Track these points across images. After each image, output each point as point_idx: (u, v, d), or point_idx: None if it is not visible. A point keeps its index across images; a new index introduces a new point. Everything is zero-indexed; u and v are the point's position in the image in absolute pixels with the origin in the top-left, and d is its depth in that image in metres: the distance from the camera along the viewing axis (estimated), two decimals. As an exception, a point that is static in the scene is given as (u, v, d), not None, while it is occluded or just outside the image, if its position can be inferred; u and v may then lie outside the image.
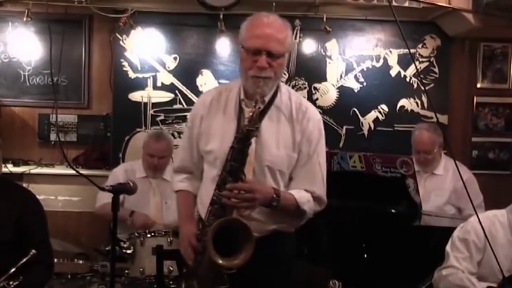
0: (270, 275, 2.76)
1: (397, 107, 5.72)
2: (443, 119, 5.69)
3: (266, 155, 2.70)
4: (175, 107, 5.64)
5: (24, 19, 5.17)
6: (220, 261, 2.47)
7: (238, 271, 2.53)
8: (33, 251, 3.01)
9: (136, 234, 4.12)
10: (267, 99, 2.71)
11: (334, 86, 5.68)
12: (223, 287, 2.59)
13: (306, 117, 2.78)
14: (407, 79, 5.72)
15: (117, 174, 4.67)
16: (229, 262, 2.49)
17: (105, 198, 4.61)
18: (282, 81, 5.57)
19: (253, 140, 2.59)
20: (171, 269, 3.91)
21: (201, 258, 2.65)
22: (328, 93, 5.67)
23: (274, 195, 2.63)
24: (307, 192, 2.76)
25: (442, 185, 4.71)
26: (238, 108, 2.76)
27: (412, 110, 5.72)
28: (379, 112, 5.71)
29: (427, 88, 5.67)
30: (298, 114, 2.78)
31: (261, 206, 2.62)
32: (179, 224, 2.94)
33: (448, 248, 3.18)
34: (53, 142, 5.72)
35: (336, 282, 3.82)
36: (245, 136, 2.53)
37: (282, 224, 2.80)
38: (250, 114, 2.53)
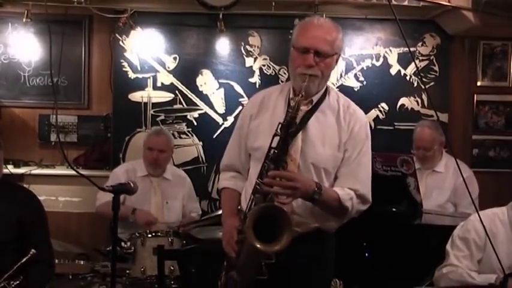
0: (308, 273, 2.80)
1: (398, 106, 5.72)
2: (444, 117, 5.68)
3: (311, 153, 2.75)
4: (175, 107, 5.64)
5: (24, 20, 5.18)
6: (259, 246, 2.48)
7: (277, 264, 2.56)
8: (33, 250, 3.02)
9: (137, 234, 4.12)
10: (315, 99, 2.80)
11: (334, 85, 5.67)
12: (261, 277, 2.60)
13: (353, 118, 2.85)
14: (408, 78, 5.72)
15: (118, 174, 4.68)
16: (268, 247, 2.49)
17: (106, 196, 4.60)
18: (282, 81, 5.62)
19: (300, 138, 2.70)
20: (172, 269, 3.92)
21: (240, 249, 2.68)
22: (328, 92, 5.66)
23: (316, 188, 2.65)
24: (350, 190, 2.78)
25: (443, 183, 4.73)
26: (287, 106, 2.81)
27: (412, 109, 5.72)
28: (380, 111, 5.70)
29: (427, 86, 5.67)
30: (346, 115, 2.85)
31: (302, 198, 2.66)
32: (222, 219, 2.97)
33: (448, 246, 3.19)
34: (53, 143, 5.73)
35: (337, 281, 3.81)
36: (288, 122, 2.59)
37: (325, 222, 2.82)
38: (294, 102, 2.61)
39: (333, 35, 2.78)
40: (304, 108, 2.73)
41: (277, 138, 2.61)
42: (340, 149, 2.81)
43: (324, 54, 2.74)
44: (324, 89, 2.86)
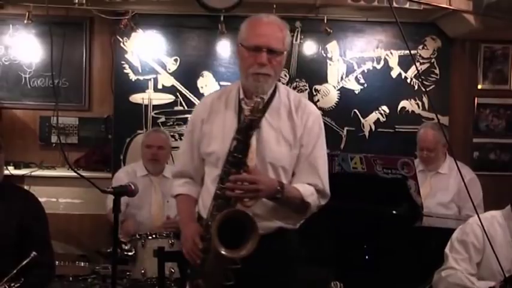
0: (275, 272, 2.76)
1: (398, 109, 5.72)
2: (444, 120, 5.68)
3: (268, 152, 2.72)
4: (176, 109, 5.64)
5: (25, 21, 5.18)
6: (225, 253, 2.46)
7: (243, 268, 2.54)
8: (34, 252, 3.02)
9: (137, 236, 4.13)
10: (266, 97, 2.73)
11: (335, 87, 5.68)
12: (228, 283, 2.58)
13: (305, 112, 2.81)
14: (408, 80, 5.72)
15: (121, 177, 4.67)
16: (233, 253, 2.48)
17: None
18: (283, 83, 5.62)
19: (254, 138, 2.63)
20: (173, 271, 3.91)
21: (206, 256, 2.64)
22: (329, 94, 5.67)
23: (278, 187, 2.63)
24: (310, 185, 2.76)
25: (447, 184, 4.79)
26: (238, 107, 2.78)
27: (413, 111, 5.72)
28: (380, 113, 5.70)
29: (427, 89, 5.67)
30: (298, 110, 2.81)
31: (265, 197, 2.64)
32: (181, 226, 2.93)
33: (447, 250, 3.19)
34: (54, 144, 5.73)
35: (338, 283, 3.82)
36: (247, 126, 2.55)
37: (287, 220, 2.80)
38: (252, 105, 2.55)
39: (283, 32, 2.76)
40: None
41: (235, 141, 2.57)
42: (295, 146, 2.77)
43: (276, 51, 2.70)
44: (274, 86, 2.82)
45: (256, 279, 2.68)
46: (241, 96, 2.79)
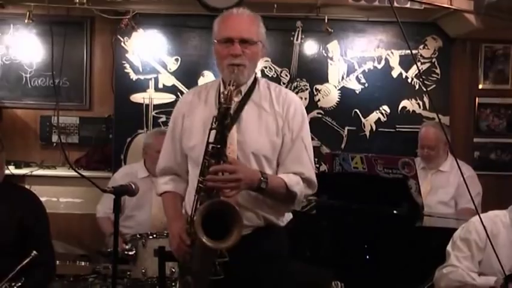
0: (263, 270, 2.76)
1: (399, 108, 5.71)
2: (445, 120, 5.67)
3: (249, 142, 2.71)
4: (176, 108, 5.63)
5: (26, 21, 5.18)
6: (210, 244, 2.45)
7: (232, 263, 2.54)
8: (35, 252, 3.02)
9: (138, 235, 4.13)
10: (244, 89, 2.79)
11: (335, 87, 5.67)
12: (217, 277, 2.57)
13: (286, 101, 2.82)
14: (409, 80, 5.71)
15: (117, 180, 4.62)
16: (218, 244, 2.48)
17: (103, 211, 4.64)
18: (284, 83, 5.62)
19: (234, 129, 2.66)
20: (173, 270, 3.91)
21: (192, 252, 2.64)
22: (329, 94, 5.67)
23: (261, 178, 2.62)
24: (295, 175, 2.76)
25: (447, 181, 4.83)
26: (218, 102, 2.79)
27: (413, 111, 5.71)
28: (381, 113, 5.70)
29: (428, 89, 5.67)
30: (279, 99, 2.82)
31: (249, 189, 2.63)
32: (168, 224, 2.93)
33: (449, 247, 3.20)
34: (54, 144, 5.72)
35: (338, 283, 3.83)
36: (222, 115, 2.55)
37: (272, 211, 2.79)
38: (226, 93, 2.56)
39: (254, 23, 2.81)
40: (235, 100, 2.69)
41: (213, 133, 2.57)
42: (278, 135, 2.77)
43: (249, 41, 2.74)
44: (252, 78, 2.84)
45: (245, 274, 2.69)
46: (222, 90, 2.79)
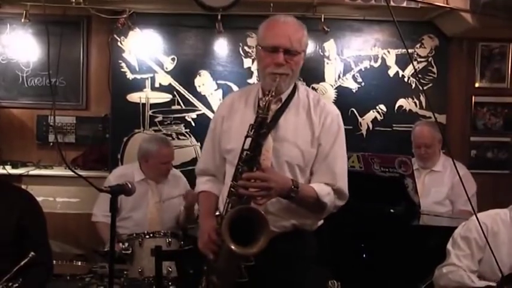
0: (289, 273, 2.77)
1: (396, 107, 5.72)
2: (442, 118, 5.69)
3: (285, 150, 2.73)
4: (173, 107, 5.64)
5: (22, 20, 5.18)
6: (236, 249, 2.48)
7: (257, 266, 2.56)
8: (32, 253, 3.01)
9: (135, 235, 4.13)
10: (284, 96, 2.79)
11: (332, 86, 5.68)
12: (242, 280, 2.60)
13: (324, 112, 2.84)
14: (406, 79, 5.72)
15: (111, 182, 4.56)
16: (244, 250, 2.50)
17: (100, 215, 4.63)
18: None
19: (271, 136, 2.68)
20: (170, 270, 3.92)
21: (219, 252, 2.67)
22: (326, 93, 5.67)
23: (293, 186, 2.64)
24: (327, 185, 2.77)
25: (441, 182, 4.80)
26: (257, 106, 2.80)
27: (410, 110, 5.72)
28: (378, 112, 5.71)
29: (425, 88, 5.68)
30: (317, 109, 2.84)
31: (279, 196, 2.64)
32: (200, 221, 2.97)
33: (449, 246, 3.19)
34: (51, 143, 5.72)
35: (335, 282, 3.82)
36: (259, 124, 2.58)
37: (302, 219, 2.80)
38: (264, 103, 2.59)
39: (300, 33, 2.79)
40: (273, 107, 2.70)
41: (249, 140, 2.59)
42: (313, 144, 2.78)
43: (293, 52, 2.74)
44: (292, 86, 2.85)
45: (270, 277, 2.71)
46: (260, 95, 2.82)
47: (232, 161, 2.77)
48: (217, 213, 2.91)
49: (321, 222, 2.93)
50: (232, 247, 2.48)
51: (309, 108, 2.83)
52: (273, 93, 2.62)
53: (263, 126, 2.58)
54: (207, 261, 2.78)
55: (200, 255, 2.81)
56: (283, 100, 2.78)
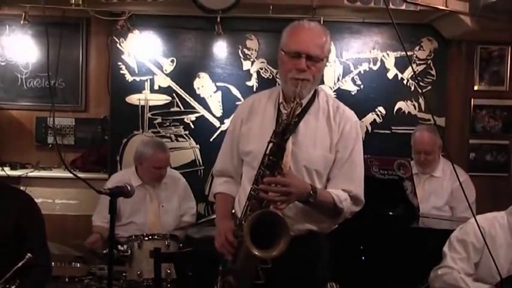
0: (303, 275, 2.80)
1: (395, 110, 5.72)
2: (441, 121, 5.68)
3: (303, 155, 2.76)
4: (172, 109, 5.63)
5: (22, 22, 5.18)
6: (256, 253, 2.51)
7: (273, 268, 2.59)
8: (29, 254, 3.01)
9: (134, 237, 4.13)
10: (304, 101, 2.80)
11: (331, 88, 5.67)
12: (258, 282, 2.62)
13: (343, 119, 2.87)
14: (405, 81, 5.72)
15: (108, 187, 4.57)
16: (265, 253, 2.52)
17: (99, 221, 4.63)
18: (279, 84, 5.61)
19: (290, 141, 2.69)
20: (169, 272, 3.92)
21: (237, 254, 2.70)
22: (325, 95, 5.66)
23: (311, 191, 2.66)
24: (344, 191, 2.79)
25: (440, 187, 4.76)
26: (277, 110, 2.85)
27: (409, 113, 5.72)
28: (377, 115, 5.71)
29: (424, 90, 5.67)
30: (336, 116, 2.87)
31: (297, 201, 2.67)
32: (216, 222, 2.99)
33: (445, 248, 3.20)
34: (50, 145, 5.72)
35: (334, 284, 3.82)
36: (283, 130, 2.59)
37: (318, 224, 2.83)
38: (289, 109, 2.61)
39: (323, 39, 2.80)
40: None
41: (271, 144, 2.61)
42: (331, 150, 2.81)
43: (315, 58, 2.75)
44: (313, 91, 2.86)
45: (285, 279, 2.73)
46: (281, 100, 2.86)
47: (251, 163, 2.82)
48: (232, 211, 2.96)
49: (335, 225, 2.95)
50: (254, 251, 2.50)
51: (329, 114, 2.86)
52: (298, 100, 2.63)
53: (287, 132, 2.60)
54: (223, 261, 2.82)
55: (216, 256, 2.85)
56: (303, 105, 2.78)
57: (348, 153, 2.82)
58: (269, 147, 2.62)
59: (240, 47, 5.64)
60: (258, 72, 5.62)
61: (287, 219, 2.61)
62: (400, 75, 5.71)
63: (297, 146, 2.74)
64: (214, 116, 5.63)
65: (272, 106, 2.88)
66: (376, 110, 5.70)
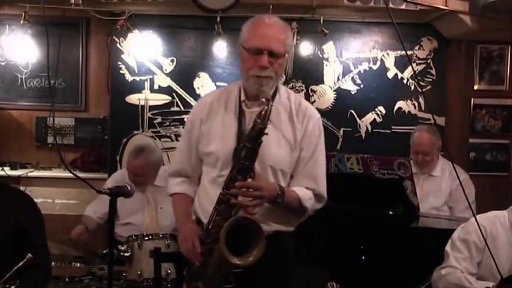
0: (271, 274, 2.77)
1: (395, 109, 5.72)
2: (441, 120, 5.68)
3: (268, 155, 2.71)
4: (172, 109, 5.63)
5: (22, 22, 5.18)
6: (236, 261, 2.48)
7: (242, 271, 2.55)
8: (29, 254, 3.00)
9: (134, 237, 4.12)
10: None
11: (331, 88, 5.68)
12: (228, 286, 2.60)
13: (306, 116, 2.82)
14: (405, 81, 5.72)
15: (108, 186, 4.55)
16: (243, 261, 2.50)
17: (90, 212, 4.71)
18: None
19: None
20: (169, 271, 3.91)
21: (206, 259, 2.65)
22: (325, 95, 5.67)
23: (279, 192, 2.65)
24: (308, 189, 2.78)
25: (439, 187, 4.75)
26: (238, 109, 2.79)
27: (409, 112, 5.72)
28: (377, 114, 5.71)
29: (424, 90, 5.68)
30: (298, 113, 2.82)
31: (267, 202, 2.64)
32: (178, 225, 2.93)
33: (448, 248, 3.19)
34: (50, 145, 5.73)
35: (334, 284, 3.82)
36: (256, 134, 2.55)
37: (283, 223, 2.81)
38: (263, 112, 2.54)
39: (284, 34, 2.75)
40: (256, 110, 2.65)
41: (244, 149, 2.57)
42: (295, 149, 2.78)
43: (277, 54, 2.69)
44: (274, 88, 2.81)
45: (253, 280, 2.68)
46: (243, 98, 2.80)
47: (213, 163, 2.76)
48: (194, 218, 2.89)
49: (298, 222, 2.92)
50: (235, 260, 2.47)
51: (291, 111, 2.81)
52: (271, 103, 2.56)
53: (260, 136, 2.55)
54: (189, 266, 2.78)
55: (183, 260, 2.81)
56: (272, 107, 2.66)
57: (311, 151, 2.80)
58: (242, 152, 2.56)
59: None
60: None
61: None
62: (400, 75, 5.71)
63: (262, 145, 2.62)
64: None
65: (233, 104, 2.82)
66: (376, 109, 5.70)
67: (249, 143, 2.56)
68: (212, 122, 2.83)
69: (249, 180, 2.57)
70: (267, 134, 2.57)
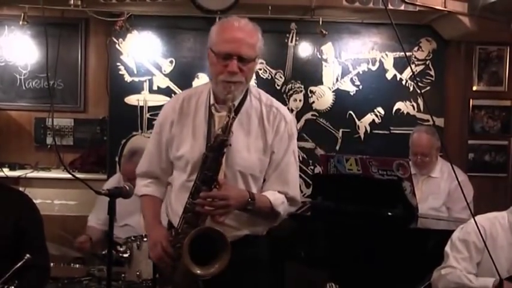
0: (243, 279, 2.72)
1: (393, 110, 5.72)
2: (440, 121, 5.68)
3: (237, 160, 2.66)
4: (171, 110, 5.62)
5: (21, 23, 5.18)
6: (197, 271, 2.47)
7: (213, 277, 2.52)
8: (28, 255, 3.00)
9: (133, 238, 4.12)
10: (236, 103, 2.65)
11: (330, 89, 5.68)
12: None
13: (277, 118, 2.75)
14: (403, 82, 5.72)
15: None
16: (205, 271, 2.48)
17: (93, 222, 4.73)
18: (278, 85, 5.62)
19: None
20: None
21: (175, 264, 2.62)
22: (324, 96, 5.67)
23: (249, 199, 2.61)
24: (280, 193, 2.74)
25: (438, 188, 4.75)
26: (208, 113, 2.73)
27: (408, 113, 5.72)
28: (375, 115, 5.71)
29: (423, 91, 5.68)
30: (269, 115, 2.75)
31: (236, 209, 2.60)
32: (147, 228, 2.89)
33: (447, 248, 3.19)
34: (49, 146, 5.72)
35: (333, 284, 3.83)
36: (218, 145, 2.51)
37: (256, 228, 2.78)
38: (224, 123, 2.50)
39: (254, 38, 2.67)
40: (225, 114, 2.56)
41: (206, 159, 2.53)
42: (266, 152, 2.72)
43: (247, 59, 2.62)
44: (244, 91, 2.74)
45: (226, 285, 2.64)
46: (212, 101, 2.73)
47: (183, 167, 2.72)
48: (166, 221, 2.85)
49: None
50: (195, 270, 2.46)
51: (262, 114, 2.74)
52: (234, 113, 2.52)
53: (223, 147, 2.50)
54: (161, 271, 2.76)
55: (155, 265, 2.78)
56: (235, 106, 2.60)
57: (282, 154, 2.74)
58: (204, 161, 2.53)
59: (239, 47, 5.63)
60: (256, 73, 5.60)
61: (224, 227, 2.54)
62: (398, 76, 5.71)
63: (230, 150, 2.59)
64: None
65: (203, 107, 2.75)
66: (375, 110, 5.70)
67: (210, 153, 2.52)
68: (182, 124, 2.77)
69: (215, 190, 2.52)
70: (230, 145, 2.53)
